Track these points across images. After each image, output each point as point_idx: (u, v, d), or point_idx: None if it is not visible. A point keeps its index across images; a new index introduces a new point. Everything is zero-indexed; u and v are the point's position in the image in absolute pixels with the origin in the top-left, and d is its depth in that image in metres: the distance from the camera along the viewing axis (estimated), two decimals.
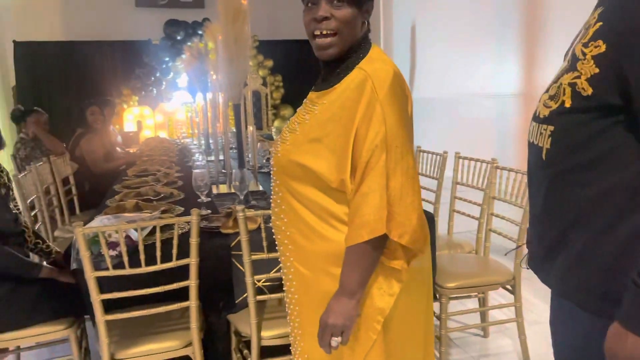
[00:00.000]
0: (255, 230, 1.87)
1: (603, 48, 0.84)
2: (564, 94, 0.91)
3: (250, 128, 2.88)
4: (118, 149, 4.90)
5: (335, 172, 1.14)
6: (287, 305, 1.37)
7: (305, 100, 1.30)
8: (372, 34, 1.26)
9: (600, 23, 0.87)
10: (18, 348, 2.31)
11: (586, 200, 0.90)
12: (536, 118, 1.01)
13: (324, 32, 1.14)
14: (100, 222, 1.93)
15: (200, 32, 7.73)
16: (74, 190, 3.70)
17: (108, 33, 7.85)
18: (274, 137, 7.64)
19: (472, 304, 2.92)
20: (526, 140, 1.05)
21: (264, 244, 1.78)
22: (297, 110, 1.32)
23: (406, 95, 1.19)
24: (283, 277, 1.35)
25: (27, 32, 7.46)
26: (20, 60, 7.51)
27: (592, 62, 0.86)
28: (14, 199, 2.26)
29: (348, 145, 1.13)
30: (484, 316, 2.69)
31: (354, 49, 1.18)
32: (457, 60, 6.71)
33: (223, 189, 2.84)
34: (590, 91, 0.86)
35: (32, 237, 2.27)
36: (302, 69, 7.85)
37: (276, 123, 8.45)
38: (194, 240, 1.68)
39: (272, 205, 1.31)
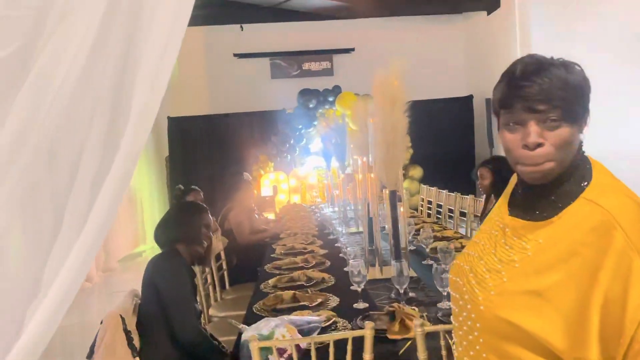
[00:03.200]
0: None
1: None
2: None
3: (402, 210, 2.77)
4: (256, 215, 5.11)
5: (565, 340, 0.89)
6: None
7: (497, 220, 1.07)
8: None
9: None
10: None
11: None
12: None
13: (537, 162, 0.94)
14: (267, 323, 1.91)
15: (330, 99, 8.00)
16: (224, 266, 3.84)
17: (247, 105, 8.44)
18: (402, 198, 7.52)
19: None
20: None
21: (443, 352, 1.61)
22: (484, 228, 1.08)
23: None
24: None
25: (179, 108, 8.28)
26: (172, 134, 8.32)
27: None
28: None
29: (587, 309, 0.88)
30: None
31: (570, 170, 0.97)
32: None
33: (373, 274, 2.74)
34: None
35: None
36: (430, 128, 7.71)
37: (405, 184, 8.33)
38: (367, 357, 1.57)
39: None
